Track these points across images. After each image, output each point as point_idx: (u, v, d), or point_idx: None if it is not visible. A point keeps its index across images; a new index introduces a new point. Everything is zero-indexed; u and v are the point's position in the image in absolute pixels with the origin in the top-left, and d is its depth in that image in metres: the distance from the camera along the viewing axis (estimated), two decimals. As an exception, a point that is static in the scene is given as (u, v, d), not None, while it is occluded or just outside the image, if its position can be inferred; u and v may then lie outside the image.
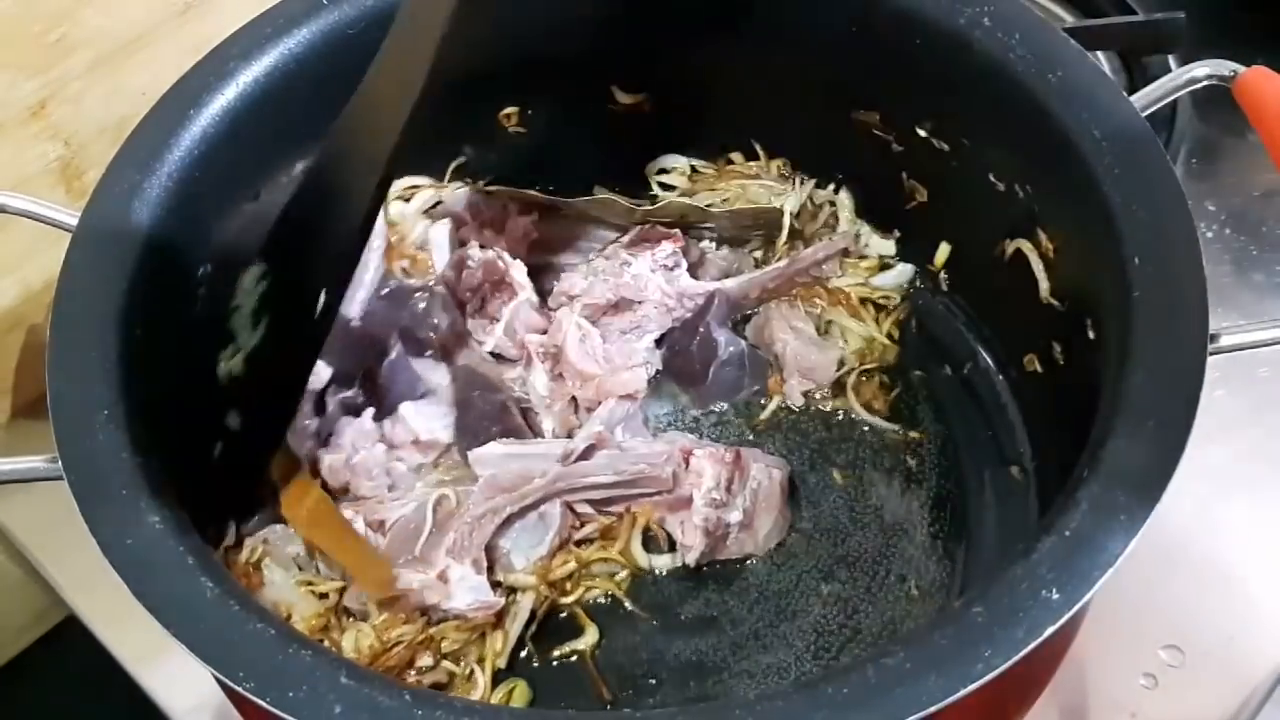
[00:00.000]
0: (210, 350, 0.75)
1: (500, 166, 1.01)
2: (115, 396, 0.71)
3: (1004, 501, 0.88)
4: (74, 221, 0.78)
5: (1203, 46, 0.91)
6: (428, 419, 0.89)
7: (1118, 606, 0.83)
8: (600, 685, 0.82)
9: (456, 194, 0.98)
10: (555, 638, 0.84)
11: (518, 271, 0.95)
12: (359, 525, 0.83)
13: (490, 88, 0.97)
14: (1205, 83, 0.78)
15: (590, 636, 0.84)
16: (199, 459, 0.75)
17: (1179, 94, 0.79)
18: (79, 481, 0.67)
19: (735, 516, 0.85)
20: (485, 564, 0.83)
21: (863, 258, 1.00)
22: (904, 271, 0.99)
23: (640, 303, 0.95)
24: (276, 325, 0.74)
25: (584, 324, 0.93)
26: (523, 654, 0.83)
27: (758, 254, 1.01)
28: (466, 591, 0.81)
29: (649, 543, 0.87)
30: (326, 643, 0.79)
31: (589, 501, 0.87)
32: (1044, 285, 0.84)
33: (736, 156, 1.04)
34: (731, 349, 0.94)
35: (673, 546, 0.87)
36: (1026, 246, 0.85)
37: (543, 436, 0.91)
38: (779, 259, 0.99)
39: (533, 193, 0.99)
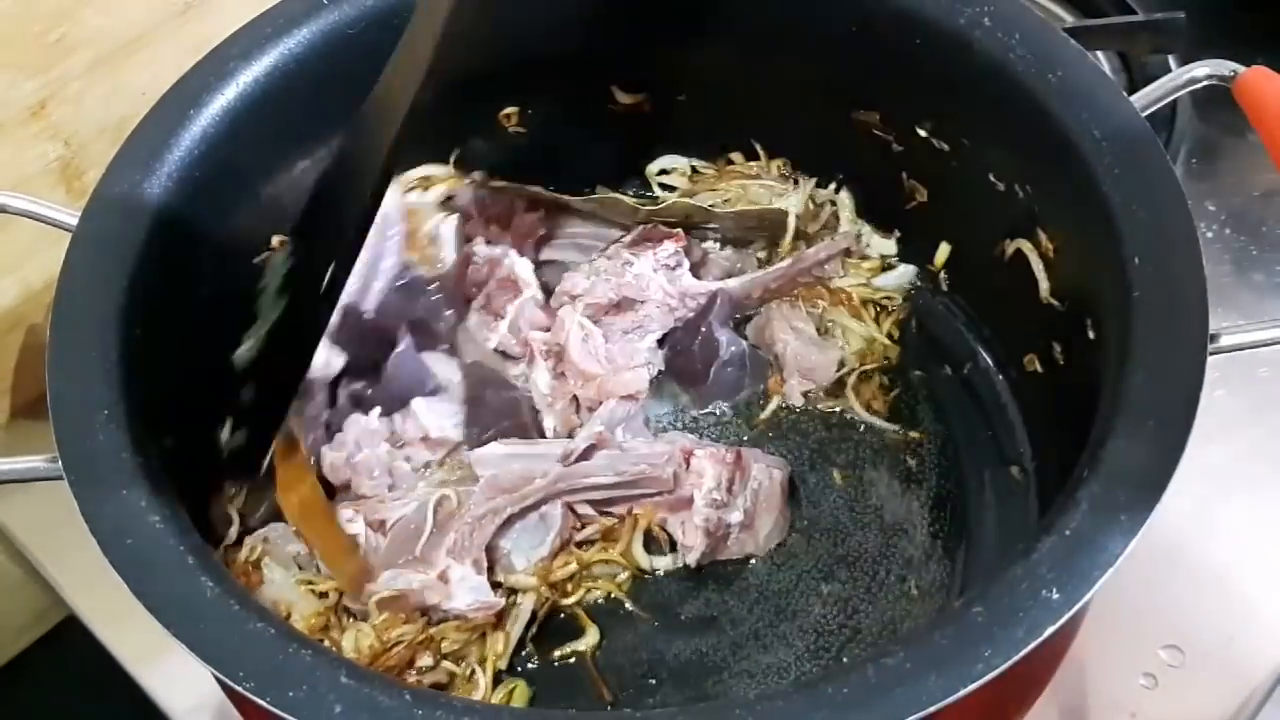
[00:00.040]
0: (213, 345, 0.77)
1: (500, 166, 1.00)
2: (115, 396, 0.71)
3: (1004, 501, 0.88)
4: (74, 221, 0.78)
5: (1203, 46, 0.91)
6: (439, 416, 0.89)
7: (1118, 606, 0.83)
8: (600, 685, 0.82)
9: (464, 189, 0.98)
10: (556, 638, 0.84)
11: (523, 269, 0.95)
12: (359, 524, 0.84)
13: (490, 88, 0.97)
14: (1205, 83, 0.78)
15: (591, 637, 0.84)
16: (204, 447, 0.77)
17: (1179, 94, 0.79)
18: (79, 481, 0.67)
19: (736, 517, 0.85)
20: (485, 564, 0.83)
21: (864, 258, 1.00)
22: (906, 273, 0.99)
23: (642, 302, 0.95)
24: (294, 301, 0.77)
25: (587, 323, 0.93)
26: (523, 654, 0.83)
27: (761, 254, 1.01)
28: (467, 592, 0.81)
29: (650, 543, 0.87)
30: (326, 642, 0.79)
31: (590, 502, 0.87)
32: (1044, 285, 0.84)
33: (736, 156, 1.04)
34: (733, 349, 0.94)
35: (673, 547, 0.87)
36: (1026, 246, 0.85)
37: (545, 435, 0.91)
38: (782, 259, 0.98)
39: (539, 189, 0.99)
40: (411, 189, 0.97)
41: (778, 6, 0.91)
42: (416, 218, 0.96)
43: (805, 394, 0.94)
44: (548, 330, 0.94)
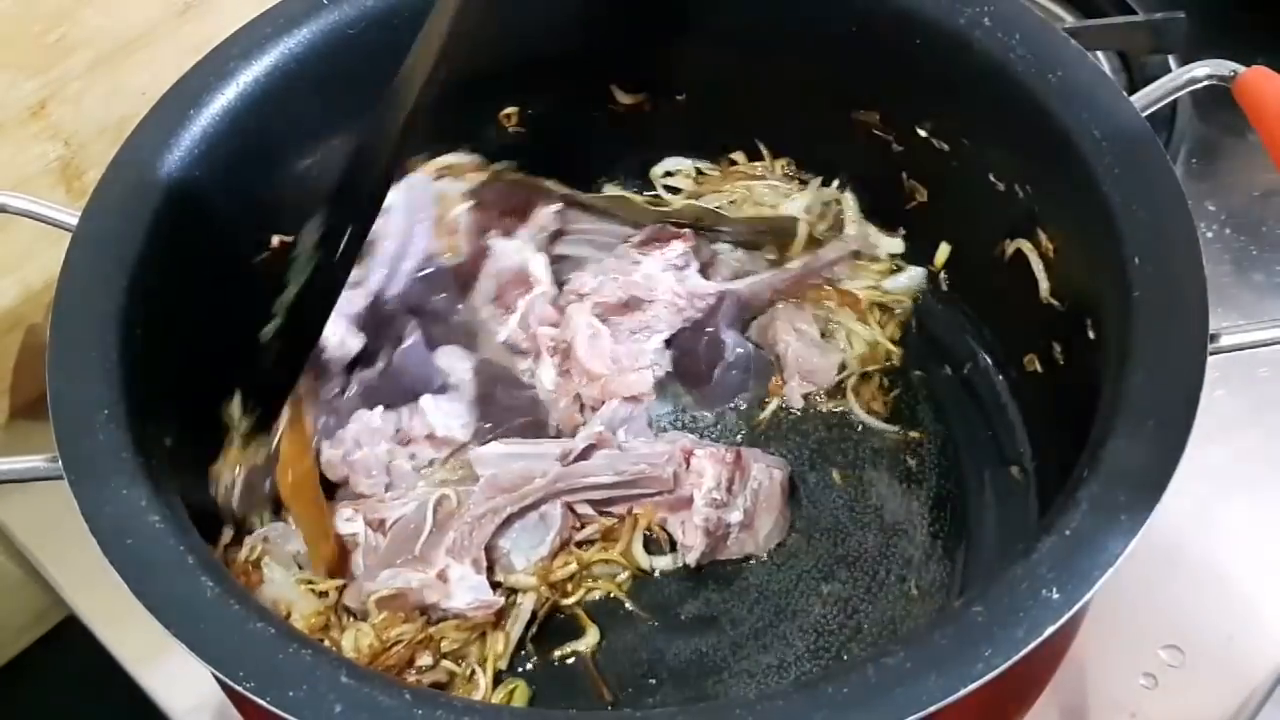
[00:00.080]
0: (213, 344, 0.79)
1: (500, 167, 1.01)
2: (115, 396, 0.71)
3: (1004, 501, 0.88)
4: (74, 221, 0.78)
5: (1203, 46, 0.91)
6: (446, 415, 0.89)
7: (1118, 606, 0.83)
8: (600, 685, 0.82)
9: (486, 179, 0.97)
10: (556, 638, 0.84)
11: (537, 265, 0.95)
12: (359, 523, 0.84)
13: (490, 88, 0.97)
14: (1205, 83, 0.78)
15: (591, 637, 0.84)
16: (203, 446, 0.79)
17: (1179, 94, 0.79)
18: (79, 481, 0.67)
19: (736, 517, 0.85)
20: (485, 563, 0.83)
21: (874, 260, 0.99)
22: (915, 275, 0.98)
23: (650, 302, 0.95)
24: (317, 269, 0.80)
25: (596, 323, 0.93)
26: (523, 654, 0.83)
27: (771, 256, 1.00)
28: (466, 591, 0.81)
29: (650, 543, 0.87)
30: (326, 641, 0.79)
31: (590, 502, 0.87)
32: (1044, 285, 0.84)
33: (739, 157, 1.04)
34: (739, 351, 0.94)
35: (673, 547, 0.87)
36: (1026, 246, 0.85)
37: (549, 432, 0.91)
38: (792, 262, 0.98)
39: (556, 184, 0.98)
40: (441, 176, 0.97)
41: (777, 7, 0.91)
42: (446, 203, 0.96)
43: (805, 395, 0.94)
44: (557, 326, 0.94)
